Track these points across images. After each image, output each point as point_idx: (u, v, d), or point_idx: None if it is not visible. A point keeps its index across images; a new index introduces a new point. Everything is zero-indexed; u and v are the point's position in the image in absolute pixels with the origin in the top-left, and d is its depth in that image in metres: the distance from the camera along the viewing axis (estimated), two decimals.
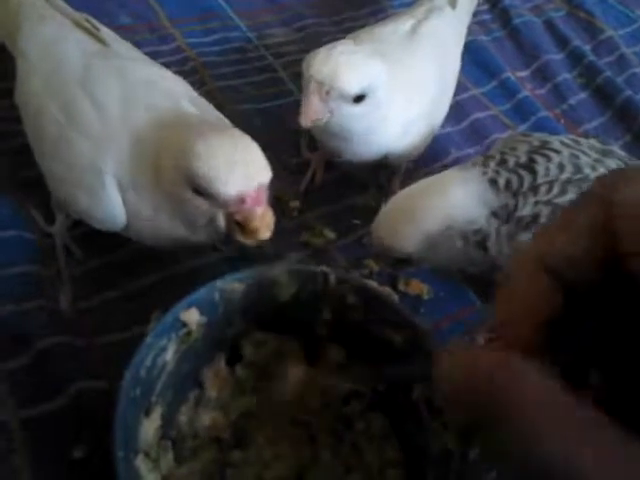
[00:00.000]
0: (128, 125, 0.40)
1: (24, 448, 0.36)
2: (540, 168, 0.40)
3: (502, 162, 0.41)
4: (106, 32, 0.48)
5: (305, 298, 0.38)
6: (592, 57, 0.77)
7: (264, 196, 0.37)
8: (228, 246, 0.49)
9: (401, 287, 0.50)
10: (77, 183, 0.42)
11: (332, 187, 0.58)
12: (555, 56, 0.78)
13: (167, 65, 0.53)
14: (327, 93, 0.45)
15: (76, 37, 0.46)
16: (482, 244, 0.40)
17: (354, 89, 0.45)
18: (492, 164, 0.41)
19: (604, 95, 0.73)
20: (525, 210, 0.39)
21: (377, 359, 0.38)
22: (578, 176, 0.40)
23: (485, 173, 0.40)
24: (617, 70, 0.77)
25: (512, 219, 0.39)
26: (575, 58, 0.77)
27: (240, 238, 0.38)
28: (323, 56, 0.46)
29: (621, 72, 0.77)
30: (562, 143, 0.42)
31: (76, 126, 0.41)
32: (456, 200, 0.39)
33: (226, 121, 0.45)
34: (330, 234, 0.53)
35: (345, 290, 0.38)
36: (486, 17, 0.82)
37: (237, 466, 0.37)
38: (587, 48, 0.79)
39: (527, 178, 0.40)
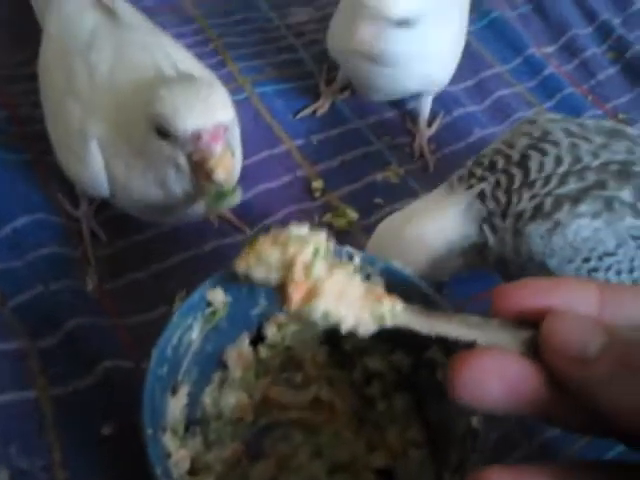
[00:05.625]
0: (114, 88, 0.41)
1: (55, 425, 0.37)
2: (533, 164, 0.40)
3: (490, 166, 0.42)
4: (124, 7, 0.49)
5: None
6: (621, 31, 0.75)
7: (223, 136, 0.37)
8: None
9: None
10: (69, 147, 0.43)
11: (352, 165, 0.58)
12: (583, 30, 0.76)
13: (189, 46, 0.53)
14: (379, 18, 0.46)
15: (92, 12, 0.47)
16: (481, 252, 0.41)
17: (402, 13, 0.47)
18: (478, 172, 0.42)
19: (634, 70, 0.71)
20: (521, 205, 0.39)
21: (401, 340, 0.38)
22: (577, 167, 0.40)
23: (469, 187, 0.41)
24: None
25: (509, 214, 0.40)
26: (604, 32, 0.75)
27: (203, 184, 0.38)
28: None
29: None
30: (564, 131, 0.42)
31: (72, 91, 0.43)
32: (449, 223, 0.41)
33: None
34: (353, 214, 0.53)
35: (370, 270, 0.38)
36: None
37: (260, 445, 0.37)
38: (616, 22, 0.77)
39: (518, 176, 0.40)
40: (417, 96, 0.60)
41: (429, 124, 0.61)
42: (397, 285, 0.37)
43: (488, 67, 0.70)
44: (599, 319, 0.21)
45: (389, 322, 0.25)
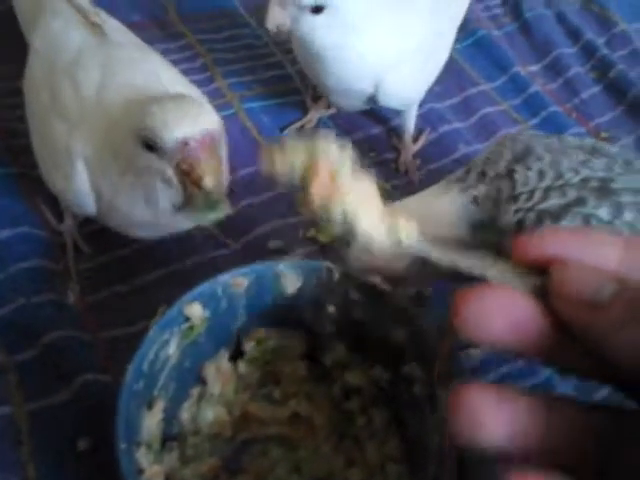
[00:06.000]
0: (102, 107, 0.41)
1: (30, 440, 0.37)
2: (519, 177, 0.40)
3: (481, 175, 0.42)
4: (111, 24, 0.49)
5: (309, 293, 0.38)
6: (605, 51, 0.76)
7: (210, 143, 0.37)
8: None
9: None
10: (55, 165, 0.43)
11: None
12: (567, 50, 0.77)
13: (177, 62, 0.54)
14: (289, 2, 0.47)
15: (79, 29, 0.47)
16: None
17: None
18: (472, 178, 0.42)
19: (617, 89, 0.72)
20: (506, 218, 0.39)
21: (380, 356, 0.39)
22: (559, 182, 0.40)
23: (465, 189, 0.41)
24: (630, 64, 0.75)
25: (494, 228, 0.39)
26: (588, 52, 0.76)
27: (192, 194, 0.37)
28: None
29: (634, 66, 0.75)
30: (546, 147, 0.42)
31: (57, 109, 0.43)
32: (442, 220, 0.40)
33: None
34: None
35: (349, 286, 0.38)
36: (497, 11, 0.82)
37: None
38: (600, 42, 0.78)
39: (505, 188, 0.40)
40: (401, 112, 0.60)
41: (414, 140, 0.62)
42: (374, 299, 0.38)
43: (474, 85, 0.71)
44: (618, 270, 0.20)
45: (403, 241, 0.25)
